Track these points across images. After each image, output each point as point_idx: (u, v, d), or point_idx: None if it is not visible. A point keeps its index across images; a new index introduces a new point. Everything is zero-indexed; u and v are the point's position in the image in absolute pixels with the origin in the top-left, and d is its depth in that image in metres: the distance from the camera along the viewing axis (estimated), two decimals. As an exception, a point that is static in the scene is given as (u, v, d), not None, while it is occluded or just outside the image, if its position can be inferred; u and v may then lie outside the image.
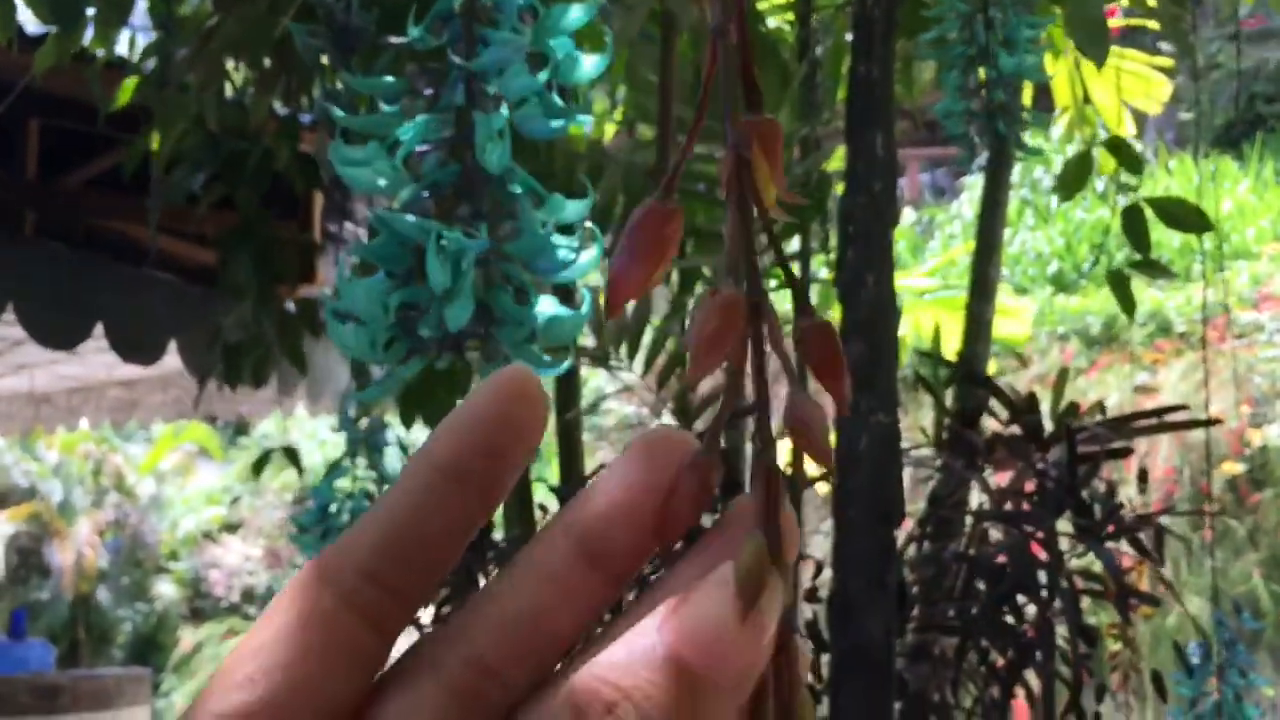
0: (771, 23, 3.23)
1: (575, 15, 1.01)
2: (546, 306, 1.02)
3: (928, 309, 3.97)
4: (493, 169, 0.97)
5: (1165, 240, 10.26)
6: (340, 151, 1.01)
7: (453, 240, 0.94)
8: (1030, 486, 2.59)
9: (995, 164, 2.92)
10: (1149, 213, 2.53)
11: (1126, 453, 2.65)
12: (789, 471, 0.38)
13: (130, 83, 2.55)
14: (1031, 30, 1.84)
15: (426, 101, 1.03)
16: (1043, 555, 2.45)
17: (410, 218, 0.96)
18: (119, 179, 2.95)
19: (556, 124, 1.01)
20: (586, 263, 1.02)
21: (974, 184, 11.43)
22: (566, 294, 1.07)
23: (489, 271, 0.99)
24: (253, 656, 0.34)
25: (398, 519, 0.35)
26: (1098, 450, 2.45)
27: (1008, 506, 2.59)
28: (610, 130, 3.40)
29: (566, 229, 1.06)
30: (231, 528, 14.12)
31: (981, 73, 1.81)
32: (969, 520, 2.71)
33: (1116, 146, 2.55)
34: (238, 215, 2.98)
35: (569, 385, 2.93)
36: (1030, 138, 1.98)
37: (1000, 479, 2.78)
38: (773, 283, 3.26)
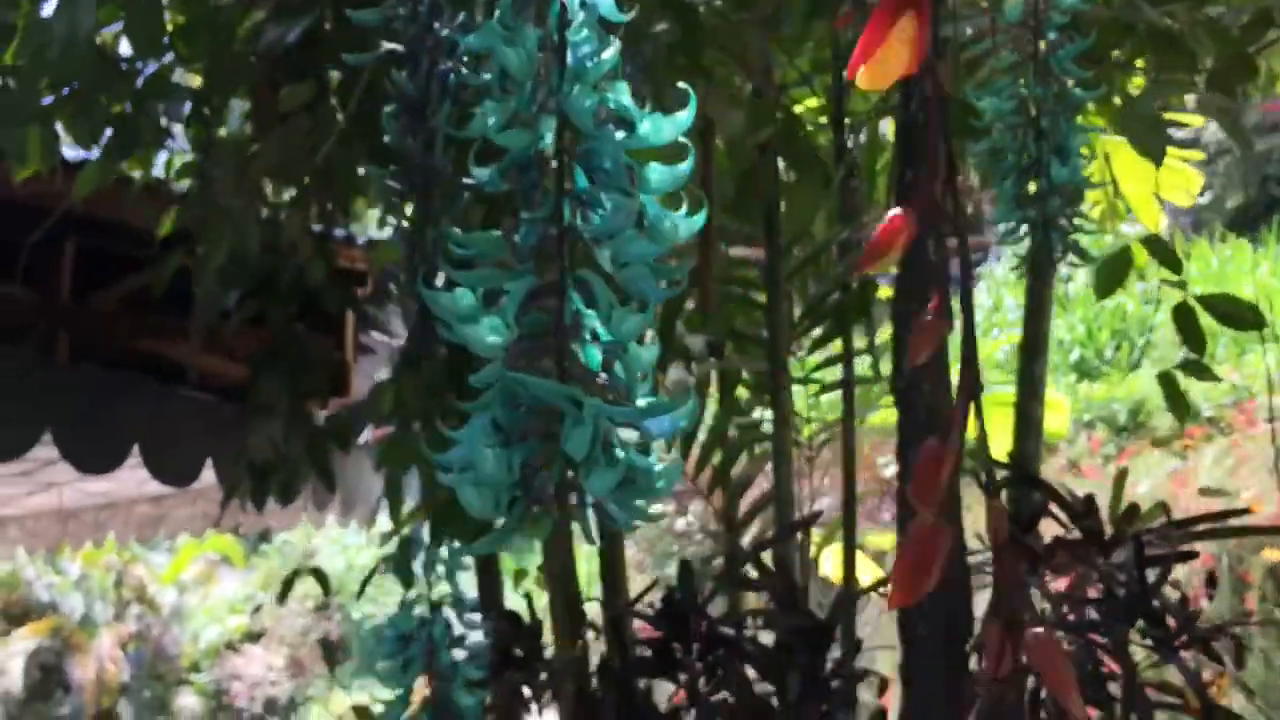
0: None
1: (675, 175, 0.98)
2: (647, 459, 0.97)
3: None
4: (625, 339, 0.93)
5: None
6: (442, 303, 0.96)
7: (595, 407, 0.89)
8: (1093, 592, 2.51)
9: (1040, 267, 2.88)
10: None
11: (1191, 556, 2.56)
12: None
13: (175, 210, 2.56)
14: (1083, 139, 1.81)
15: (521, 254, 0.99)
16: (1112, 666, 2.36)
17: (550, 383, 0.92)
18: (150, 298, 2.94)
19: (667, 286, 0.97)
20: (680, 420, 0.98)
21: (988, 273, 11.42)
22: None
23: (613, 434, 0.94)
24: None
25: None
26: (1166, 554, 2.36)
27: (1069, 613, 2.50)
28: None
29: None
30: (254, 637, 13.94)
31: (1032, 184, 1.78)
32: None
33: (1154, 245, 2.51)
34: (269, 332, 2.96)
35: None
36: (1092, 245, 1.95)
37: (1060, 584, 2.69)
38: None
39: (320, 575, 2.89)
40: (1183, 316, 2.51)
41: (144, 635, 13.66)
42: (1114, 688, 2.39)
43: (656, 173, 0.96)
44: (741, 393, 3.02)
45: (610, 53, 0.94)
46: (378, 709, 2.33)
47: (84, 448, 3.11)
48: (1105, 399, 9.54)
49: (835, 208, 2.89)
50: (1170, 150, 3.42)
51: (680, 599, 2.14)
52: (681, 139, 0.97)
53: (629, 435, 0.96)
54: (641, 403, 0.93)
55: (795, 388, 2.93)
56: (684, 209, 0.99)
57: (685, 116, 0.97)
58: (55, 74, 2.16)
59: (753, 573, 2.22)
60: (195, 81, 2.67)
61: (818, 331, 2.99)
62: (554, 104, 0.93)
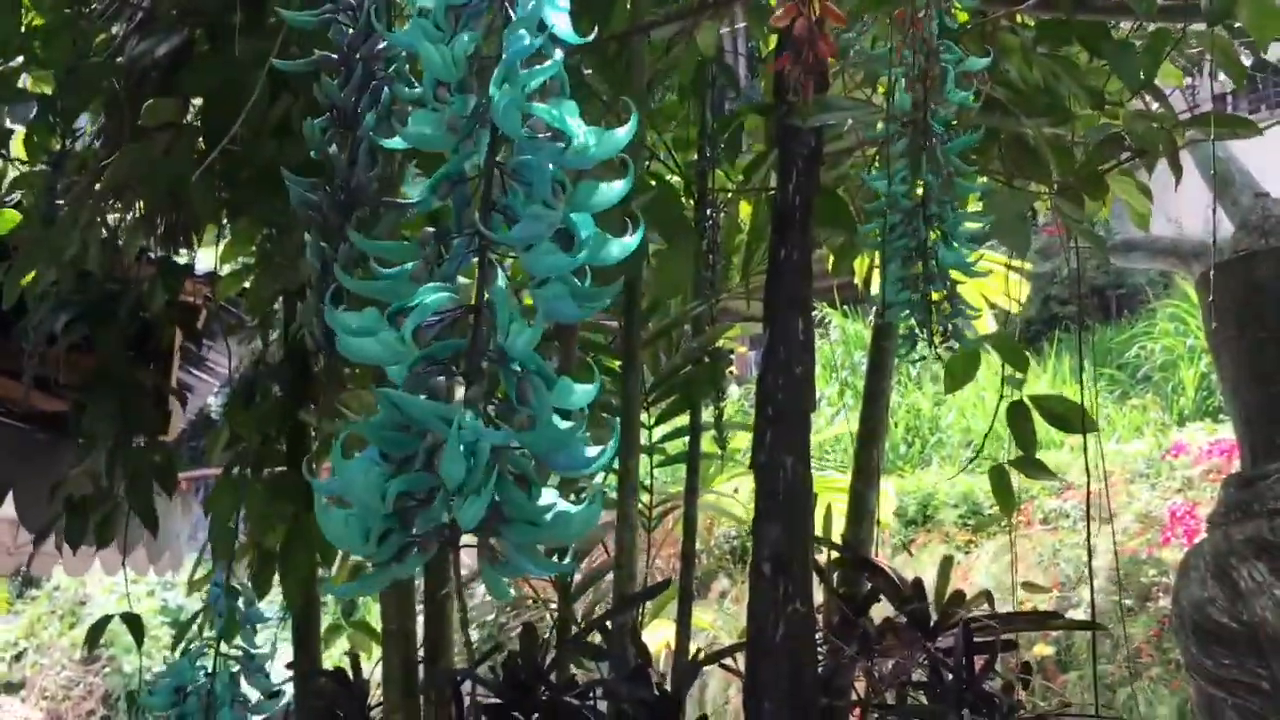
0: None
1: (609, 192, 0.96)
2: (550, 500, 0.94)
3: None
4: (517, 354, 0.90)
5: (971, 425, 10.76)
6: (340, 319, 0.92)
7: (472, 429, 0.85)
8: (918, 676, 2.57)
9: (878, 355, 2.98)
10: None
11: (1013, 646, 2.66)
12: None
13: (11, 216, 2.38)
14: (970, 226, 1.89)
15: (435, 269, 0.96)
16: (937, 750, 2.41)
17: (423, 401, 0.88)
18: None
19: (585, 308, 0.94)
20: (604, 459, 0.95)
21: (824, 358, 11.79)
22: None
23: (500, 464, 0.90)
24: None
25: None
26: (992, 641, 2.44)
27: (897, 697, 2.55)
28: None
29: (565, 413, 0.99)
30: (12, 687, 12.91)
31: (919, 265, 1.84)
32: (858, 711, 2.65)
33: (1002, 345, 2.63)
34: (94, 360, 2.78)
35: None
36: (968, 331, 2.02)
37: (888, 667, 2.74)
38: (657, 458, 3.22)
39: (135, 624, 2.69)
40: (1016, 415, 2.63)
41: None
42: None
43: (589, 189, 0.94)
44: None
45: (549, 64, 0.92)
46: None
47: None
48: (898, 491, 9.95)
49: (692, 282, 2.92)
50: (996, 259, 3.62)
51: (522, 665, 2.08)
52: (622, 155, 0.96)
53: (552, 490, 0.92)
54: (545, 439, 0.90)
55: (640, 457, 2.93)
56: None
57: (626, 132, 0.96)
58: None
59: (598, 642, 2.18)
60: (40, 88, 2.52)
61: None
62: (488, 116, 0.90)
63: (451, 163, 0.95)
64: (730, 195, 3.06)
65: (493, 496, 0.85)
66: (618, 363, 2.86)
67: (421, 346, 0.91)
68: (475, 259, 0.95)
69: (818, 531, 2.95)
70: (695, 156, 2.96)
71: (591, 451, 0.93)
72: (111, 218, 2.61)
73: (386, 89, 1.28)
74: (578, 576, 2.92)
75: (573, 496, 0.92)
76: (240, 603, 2.09)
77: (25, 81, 2.44)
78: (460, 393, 0.92)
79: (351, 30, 1.29)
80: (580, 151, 0.93)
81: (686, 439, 2.95)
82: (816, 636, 2.08)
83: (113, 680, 12.61)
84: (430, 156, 0.99)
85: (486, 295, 0.91)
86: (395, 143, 0.98)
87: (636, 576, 2.56)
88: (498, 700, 2.10)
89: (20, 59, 2.28)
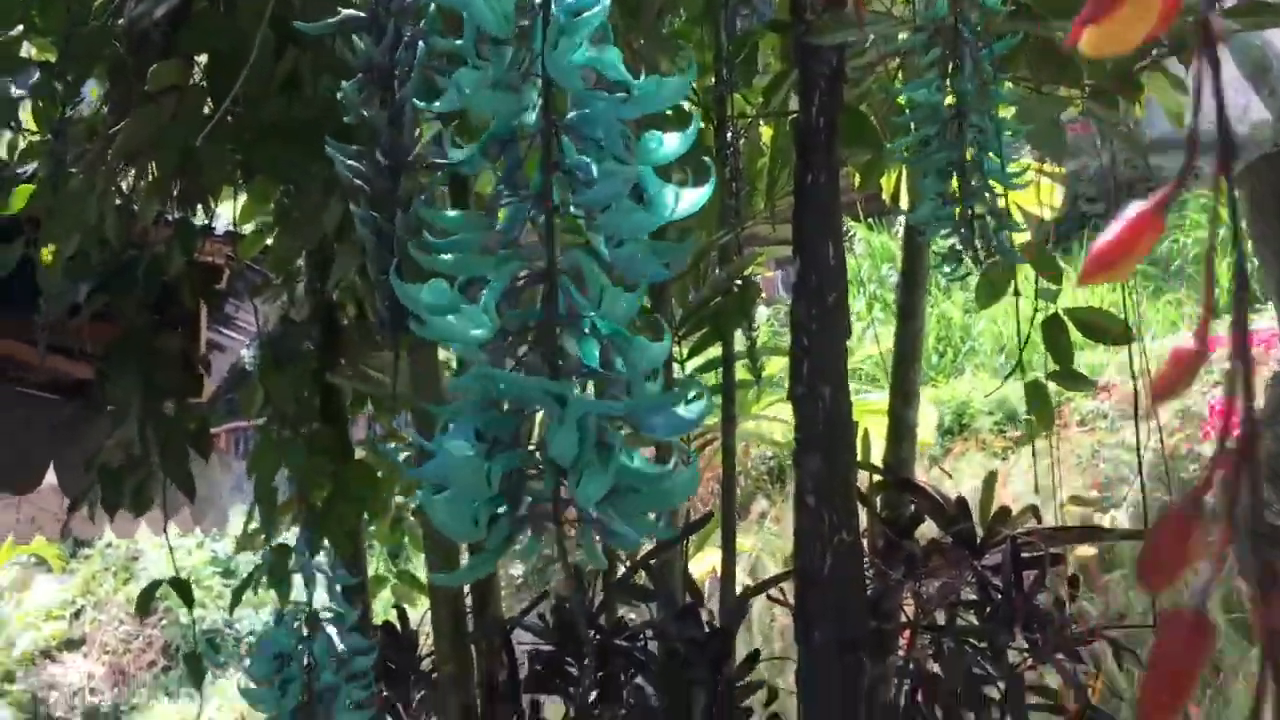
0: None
1: (674, 144, 0.91)
2: (649, 467, 0.90)
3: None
4: (617, 321, 0.85)
5: (1004, 331, 10.68)
6: (418, 297, 0.87)
7: (581, 403, 0.81)
8: (967, 596, 2.56)
9: (912, 274, 2.92)
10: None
11: (1061, 560, 2.63)
12: None
13: (24, 189, 2.35)
14: (1012, 135, 1.82)
15: (503, 237, 0.91)
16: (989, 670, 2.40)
17: (528, 377, 0.83)
18: (-12, 291, 2.72)
19: (667, 267, 0.90)
20: (703, 416, 0.91)
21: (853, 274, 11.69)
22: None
23: (607, 435, 0.86)
24: None
25: None
26: (1040, 556, 2.42)
27: (947, 618, 2.54)
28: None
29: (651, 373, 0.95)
30: (73, 644, 13.21)
31: (958, 180, 1.77)
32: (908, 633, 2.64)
33: (1037, 255, 2.56)
34: (119, 327, 2.76)
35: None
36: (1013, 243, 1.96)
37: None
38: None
39: (184, 588, 2.71)
40: (1052, 330, 2.57)
41: (-52, 645, 12.81)
42: (990, 690, 2.44)
43: (657, 140, 0.89)
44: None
45: (598, 8, 0.86)
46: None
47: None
48: (933, 401, 9.90)
49: (716, 211, 2.87)
50: (1030, 164, 3.52)
51: (571, 611, 2.08)
52: (684, 104, 0.91)
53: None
54: (644, 405, 0.86)
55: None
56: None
57: (685, 79, 0.91)
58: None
59: (645, 582, 2.17)
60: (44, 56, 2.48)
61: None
62: (537, 68, 0.85)
63: (499, 122, 0.90)
64: (750, 119, 2.98)
65: (614, 472, 0.81)
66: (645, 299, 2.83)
67: (500, 319, 0.87)
68: (540, 223, 0.90)
69: (857, 456, 2.93)
70: (711, 81, 2.89)
71: (687, 411, 0.89)
72: (125, 183, 2.58)
73: (422, 44, 1.22)
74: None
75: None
76: (325, 563, 2.06)
77: (29, 51, 2.40)
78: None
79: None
80: (641, 101, 0.88)
81: (720, 370, 2.91)
82: (863, 563, 2.06)
83: (170, 632, 12.86)
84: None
85: (559, 261, 0.87)
86: (440, 104, 0.93)
87: (678, 511, 2.55)
88: (549, 647, 2.10)
89: (20, 27, 2.23)
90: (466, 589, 2.25)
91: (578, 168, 0.86)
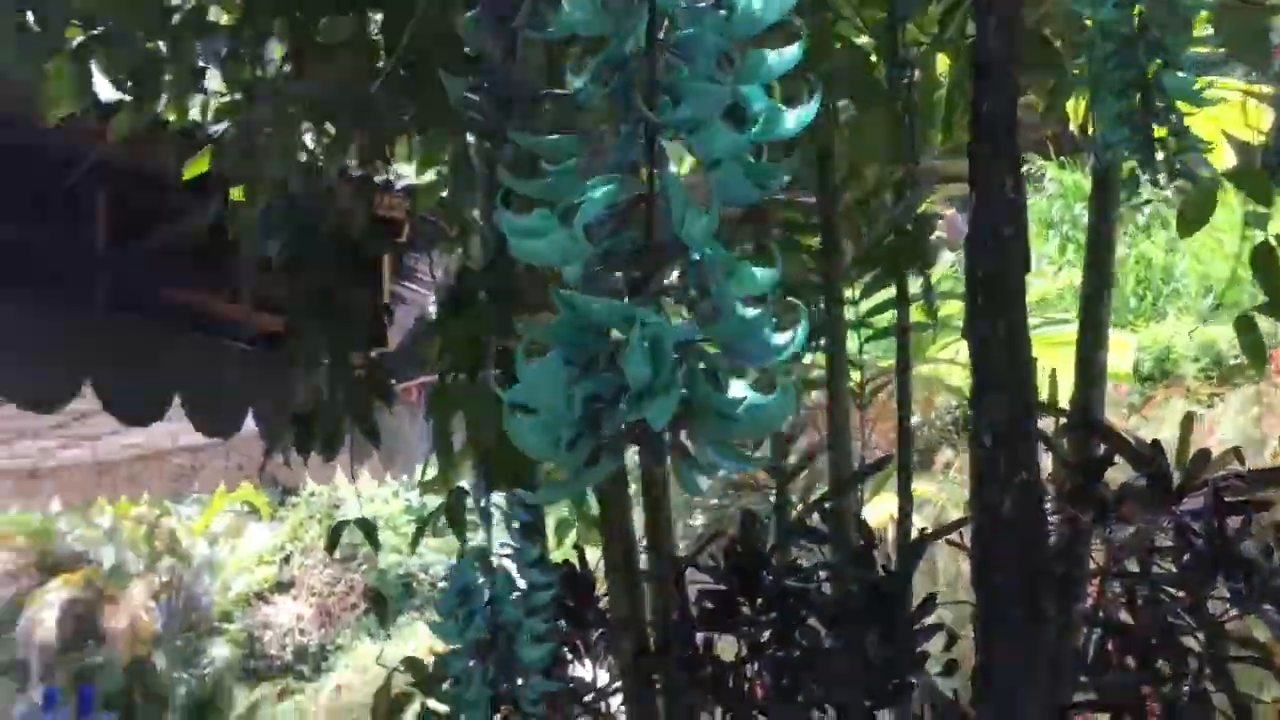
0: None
1: (780, 60, 0.88)
2: (740, 392, 0.89)
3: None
4: (695, 243, 0.84)
5: (1210, 271, 10.04)
6: (511, 221, 0.88)
7: (654, 326, 0.81)
8: (1162, 542, 2.43)
9: (1105, 202, 2.77)
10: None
11: (1265, 505, 2.47)
12: None
13: (206, 151, 2.47)
14: (1196, 51, 1.70)
15: (602, 161, 0.91)
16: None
17: (602, 301, 0.83)
18: (188, 246, 2.87)
19: (760, 189, 0.88)
20: (794, 345, 0.89)
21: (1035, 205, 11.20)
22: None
23: (687, 359, 0.86)
24: None
25: None
26: (1245, 501, 2.27)
27: (1141, 565, 2.42)
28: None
29: (757, 299, 0.94)
30: (283, 587, 14.03)
31: (1138, 98, 1.66)
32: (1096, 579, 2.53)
33: (1245, 177, 2.38)
34: (308, 281, 2.88)
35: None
36: (1202, 169, 1.84)
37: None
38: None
39: (368, 528, 2.83)
40: (1262, 258, 2.40)
41: (175, 586, 13.77)
42: (1188, 641, 2.32)
43: (758, 59, 0.87)
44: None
45: None
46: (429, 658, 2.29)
47: (125, 399, 3.06)
48: (1129, 348, 9.42)
49: (889, 145, 2.78)
50: (1232, 85, 3.29)
51: (743, 551, 2.07)
52: (793, 18, 0.88)
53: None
54: (733, 330, 0.84)
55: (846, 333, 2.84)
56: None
57: None
58: (85, 9, 2.07)
59: (818, 524, 2.14)
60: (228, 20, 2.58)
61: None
62: None
63: (611, 47, 0.89)
64: (924, 49, 2.87)
65: (681, 394, 0.81)
66: (816, 239, 2.77)
67: (595, 243, 0.86)
68: (644, 145, 0.89)
69: (1043, 396, 2.81)
70: (883, 13, 2.79)
71: (780, 338, 0.87)
72: (309, 141, 2.67)
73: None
74: (792, 458, 2.88)
75: (766, 387, 0.87)
76: (505, 503, 2.12)
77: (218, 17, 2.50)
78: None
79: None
80: (745, 18, 0.86)
81: (895, 311, 2.84)
82: (1046, 506, 1.97)
83: (371, 576, 13.51)
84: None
85: (658, 183, 0.86)
86: (552, 29, 0.93)
87: (852, 456, 2.51)
88: (721, 587, 2.10)
89: (206, -9, 2.33)
90: (639, 528, 2.27)
91: (670, 88, 0.84)
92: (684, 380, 0.82)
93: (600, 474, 0.86)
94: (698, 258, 0.85)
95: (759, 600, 2.06)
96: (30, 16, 2.09)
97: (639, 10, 0.87)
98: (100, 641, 13.24)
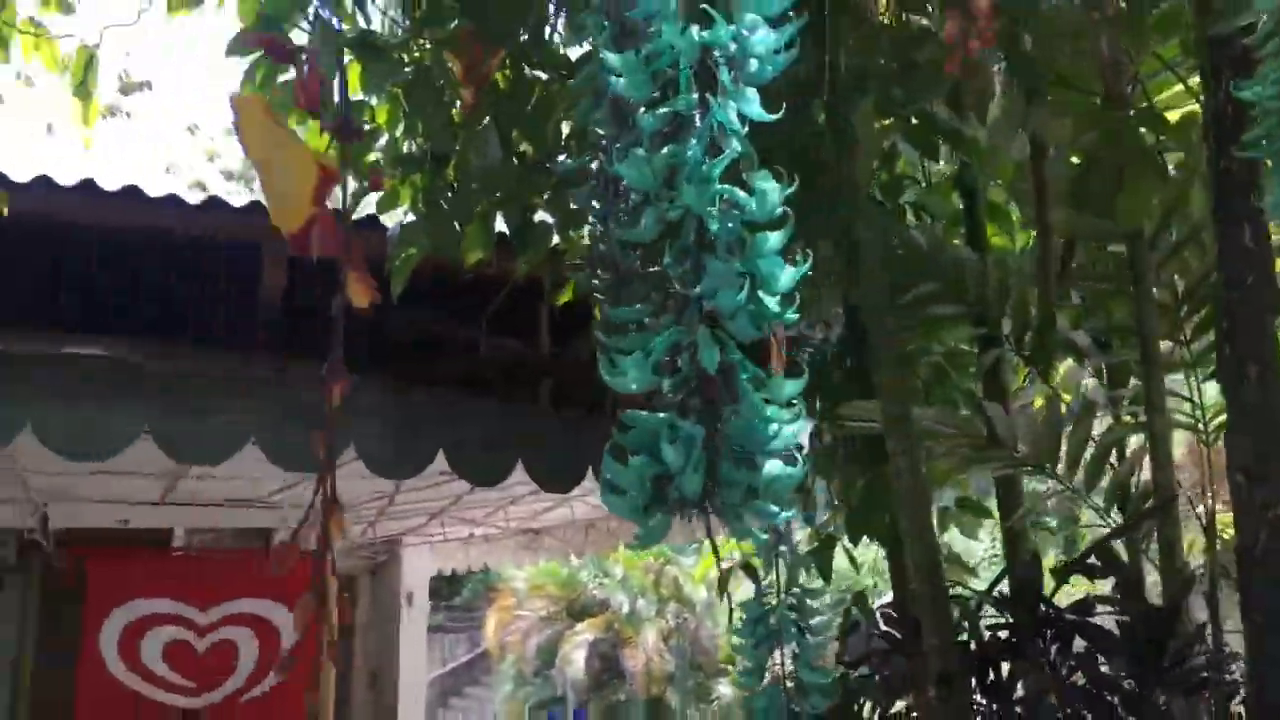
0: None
1: (774, 240, 1.27)
2: (772, 468, 1.27)
3: None
4: (709, 369, 1.25)
5: None
6: (606, 370, 1.33)
7: (684, 429, 1.23)
8: None
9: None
10: None
11: None
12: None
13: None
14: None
15: (668, 318, 1.34)
16: None
17: (648, 414, 1.26)
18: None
19: (763, 328, 1.27)
20: (791, 434, 1.26)
21: None
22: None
23: (718, 447, 1.26)
24: None
25: None
26: None
27: None
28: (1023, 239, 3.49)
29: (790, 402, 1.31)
30: (778, 632, 14.77)
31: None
32: None
33: None
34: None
35: (1010, 494, 3.04)
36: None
37: None
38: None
39: (751, 570, 3.30)
40: None
41: (682, 630, 15.03)
42: None
43: (762, 241, 1.25)
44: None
45: (725, 154, 1.24)
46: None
47: (543, 473, 3.79)
48: None
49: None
50: None
51: (1027, 587, 2.29)
52: (783, 209, 1.26)
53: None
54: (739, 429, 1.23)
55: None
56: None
57: (779, 192, 1.25)
58: (482, 186, 2.77)
59: (1097, 560, 2.31)
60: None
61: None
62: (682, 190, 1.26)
63: (683, 239, 1.33)
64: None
65: (704, 473, 1.21)
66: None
67: (660, 374, 1.29)
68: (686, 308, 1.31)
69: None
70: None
71: (789, 429, 1.25)
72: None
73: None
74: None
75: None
76: (797, 549, 2.55)
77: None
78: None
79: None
80: (754, 213, 1.26)
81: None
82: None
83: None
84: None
85: (694, 334, 1.27)
86: (631, 236, 1.38)
87: (1170, 491, 2.60)
88: (1009, 619, 2.33)
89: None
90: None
91: (702, 266, 1.24)
92: (704, 463, 1.22)
93: (666, 528, 1.28)
94: (722, 379, 1.25)
95: (1044, 630, 2.26)
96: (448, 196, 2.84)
97: (690, 225, 1.30)
98: (621, 679, 14.76)
